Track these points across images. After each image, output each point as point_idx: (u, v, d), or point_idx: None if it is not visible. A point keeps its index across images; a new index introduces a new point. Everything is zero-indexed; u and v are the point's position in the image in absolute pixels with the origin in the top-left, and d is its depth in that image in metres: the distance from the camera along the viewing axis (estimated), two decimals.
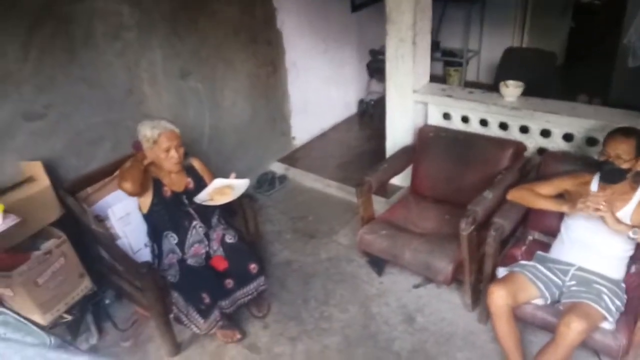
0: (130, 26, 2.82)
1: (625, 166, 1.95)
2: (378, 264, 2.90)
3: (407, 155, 3.08)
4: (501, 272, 2.24)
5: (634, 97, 3.11)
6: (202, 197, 2.37)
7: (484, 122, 3.00)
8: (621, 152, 1.94)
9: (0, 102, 2.37)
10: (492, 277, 2.30)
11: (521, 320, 2.15)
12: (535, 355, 2.04)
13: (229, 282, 2.40)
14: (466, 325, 2.50)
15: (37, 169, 2.43)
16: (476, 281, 2.49)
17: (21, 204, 2.23)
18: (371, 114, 4.85)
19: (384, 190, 3.45)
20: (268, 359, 2.45)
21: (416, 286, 2.79)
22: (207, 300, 2.28)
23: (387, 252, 2.63)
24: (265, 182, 3.88)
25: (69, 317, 2.42)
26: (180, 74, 3.20)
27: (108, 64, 2.77)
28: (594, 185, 2.11)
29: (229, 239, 2.49)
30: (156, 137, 2.33)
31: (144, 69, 2.97)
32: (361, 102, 4.98)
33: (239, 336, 2.53)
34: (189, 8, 3.12)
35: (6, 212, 1.99)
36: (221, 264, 2.42)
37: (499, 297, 2.04)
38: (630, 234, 1.91)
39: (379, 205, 3.23)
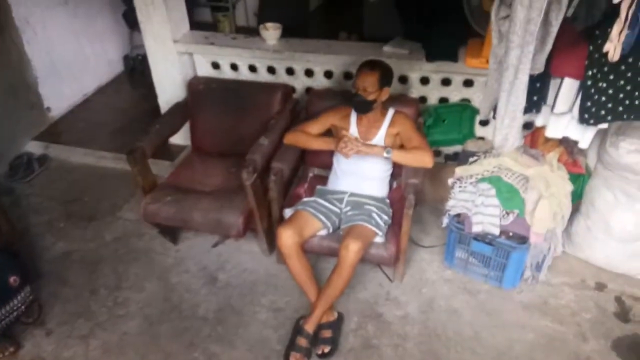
0: None
1: (371, 97, 2.14)
2: (171, 232, 2.73)
3: (181, 111, 2.89)
4: (287, 212, 2.32)
5: (382, 31, 3.45)
6: None
7: (252, 68, 2.97)
8: (367, 85, 2.12)
9: None
10: (281, 220, 2.37)
11: (312, 253, 2.28)
12: (326, 280, 2.20)
13: None
14: (267, 270, 2.57)
15: None
16: (269, 226, 2.55)
17: None
18: (142, 70, 4.39)
19: (167, 152, 3.23)
20: None
21: (215, 245, 2.73)
22: None
23: (175, 218, 2.47)
24: (21, 167, 3.25)
25: None
26: None
27: None
28: (353, 116, 2.29)
29: None
30: None
31: None
32: (126, 58, 4.47)
33: (11, 349, 2.16)
34: None
35: None
36: None
37: (287, 237, 2.12)
38: (385, 154, 2.14)
39: (165, 169, 3.01)
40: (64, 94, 3.81)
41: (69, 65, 3.81)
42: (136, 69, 4.44)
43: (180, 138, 3.16)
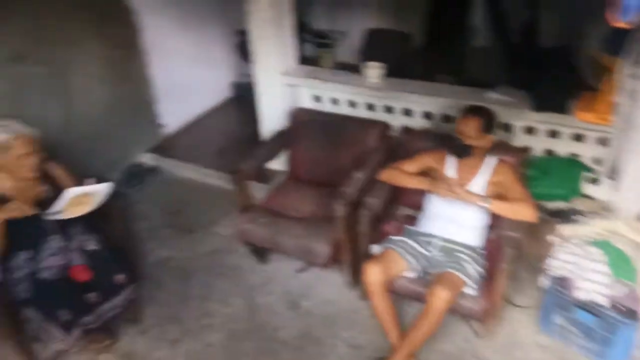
0: None
1: (472, 143, 2.12)
2: (260, 252, 2.85)
3: (282, 139, 3.04)
4: (375, 249, 2.33)
5: (483, 76, 3.43)
6: (54, 212, 2.09)
7: (352, 104, 3.07)
8: (468, 129, 2.12)
9: None
10: (368, 256, 2.38)
11: (396, 293, 2.26)
12: (410, 324, 2.17)
13: (92, 296, 2.16)
14: (349, 304, 2.58)
15: None
16: (354, 260, 2.57)
17: None
18: (246, 97, 4.71)
19: (264, 176, 3.39)
20: None
21: (299, 271, 2.81)
22: (66, 316, 2.04)
23: (267, 240, 2.59)
24: (134, 176, 3.59)
25: None
26: (13, 58, 2.76)
27: None
28: (449, 160, 2.27)
29: (92, 246, 2.25)
30: (10, 142, 2.00)
31: None
32: (235, 85, 4.82)
33: (108, 341, 2.35)
34: None
35: None
36: (82, 275, 2.16)
37: (372, 274, 2.13)
38: (484, 204, 2.09)
39: (260, 192, 3.16)
40: (177, 113, 4.17)
41: (184, 88, 4.17)
42: (242, 96, 4.75)
43: (277, 163, 3.32)
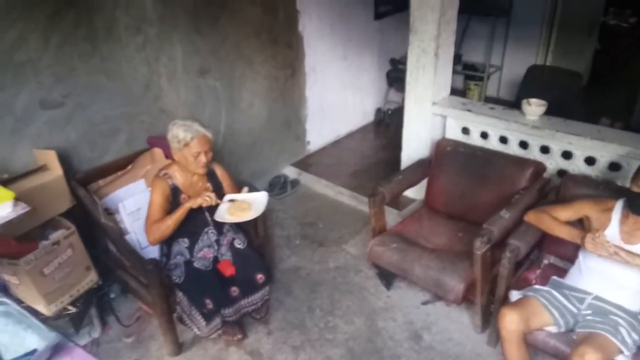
0: (152, 20, 2.81)
1: None
2: (387, 277, 2.85)
3: (423, 168, 3.03)
4: (514, 295, 2.18)
5: None
6: (221, 216, 2.32)
7: (503, 140, 2.94)
8: None
9: (18, 89, 2.37)
10: (505, 300, 2.24)
11: (532, 347, 2.08)
12: None
13: (235, 290, 2.35)
14: (474, 347, 2.44)
15: (50, 157, 2.42)
16: (487, 302, 2.43)
17: (32, 192, 2.21)
18: (388, 123, 4.81)
19: (397, 202, 3.40)
20: None
21: (425, 303, 2.73)
22: (210, 305, 2.24)
23: (397, 266, 2.57)
24: (277, 186, 3.85)
25: (73, 310, 2.39)
26: (198, 71, 3.18)
27: (128, 57, 2.76)
28: (616, 213, 2.04)
29: (238, 244, 2.46)
30: (189, 140, 2.28)
31: (163, 64, 2.96)
32: (378, 111, 4.93)
33: (239, 336, 2.51)
34: (211, 5, 3.11)
35: (17, 200, 1.96)
36: (228, 270, 2.38)
37: (511, 322, 1.98)
38: None
39: (391, 217, 3.18)
40: (323, 133, 4.40)
41: (331, 110, 4.39)
42: (383, 121, 4.86)
43: (411, 191, 3.31)
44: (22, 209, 1.93)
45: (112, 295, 2.74)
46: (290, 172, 4.08)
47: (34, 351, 1.17)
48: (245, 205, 2.35)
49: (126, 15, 2.68)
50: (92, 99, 2.66)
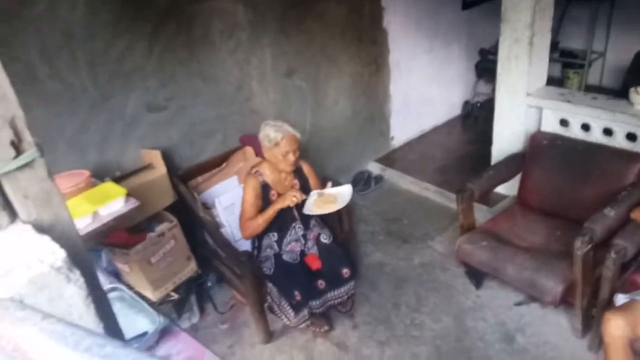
0: (243, 25, 2.96)
1: None
2: (476, 275, 2.76)
3: (516, 163, 2.89)
4: (620, 299, 2.01)
5: None
6: (309, 209, 2.41)
7: (607, 132, 2.71)
8: None
9: (128, 94, 2.61)
10: (609, 304, 2.08)
11: (638, 355, 1.92)
12: None
13: (321, 283, 2.42)
14: (573, 352, 2.29)
15: (156, 157, 2.65)
16: (589, 306, 2.27)
17: (141, 188, 2.44)
18: (476, 116, 4.63)
19: (487, 198, 3.27)
20: None
21: (518, 304, 2.61)
22: (298, 297, 2.33)
23: (487, 264, 2.49)
24: (361, 181, 3.87)
25: (175, 296, 2.61)
26: (286, 72, 3.30)
27: (222, 61, 2.93)
28: None
29: (324, 239, 2.53)
30: (279, 139, 2.38)
31: (254, 66, 3.10)
32: (466, 104, 4.76)
33: (326, 327, 2.57)
34: (298, 8, 3.20)
35: (128, 195, 2.18)
36: (314, 263, 2.46)
37: (616, 327, 1.84)
38: None
39: (480, 214, 3.07)
40: (407, 128, 4.34)
41: (416, 104, 4.32)
42: (471, 115, 4.67)
43: (502, 187, 3.16)
44: (133, 204, 2.14)
45: (209, 284, 2.94)
46: (374, 167, 4.08)
47: (144, 333, 1.31)
48: (331, 198, 2.42)
49: (220, 22, 2.85)
50: (192, 101, 2.87)
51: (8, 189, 0.50)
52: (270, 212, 2.40)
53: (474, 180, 2.70)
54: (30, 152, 0.51)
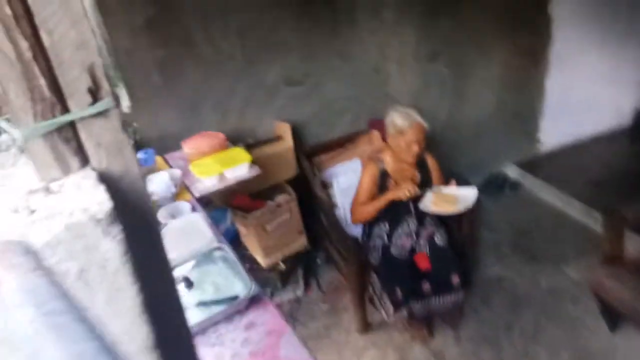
0: (389, 3, 2.85)
1: None
2: (613, 315, 2.35)
3: None
4: None
5: None
6: (425, 205, 2.28)
7: None
8: None
9: (270, 65, 2.70)
10: None
11: None
12: None
13: (427, 286, 2.27)
14: None
15: (286, 129, 2.73)
16: None
17: (267, 158, 2.54)
18: None
19: None
20: None
21: None
22: (399, 294, 2.23)
23: (629, 306, 2.10)
24: (494, 185, 3.56)
25: (282, 266, 2.70)
26: (428, 57, 3.12)
27: (361, 41, 2.87)
28: None
29: (438, 239, 2.37)
30: (405, 128, 2.30)
31: (395, 48, 2.99)
32: (638, 112, 4.05)
33: (425, 333, 2.45)
34: None
35: (253, 163, 2.28)
36: (423, 263, 2.31)
37: None
38: None
39: (633, 244, 2.59)
40: (559, 131, 3.84)
41: (575, 105, 3.78)
42: None
43: None
44: (255, 171, 2.23)
45: (318, 262, 2.98)
46: (512, 171, 3.71)
47: (236, 297, 1.34)
48: (452, 198, 2.24)
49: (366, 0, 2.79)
50: (327, 79, 2.87)
51: (83, 135, 0.50)
52: (382, 201, 2.31)
53: (632, 203, 2.27)
54: (106, 100, 0.50)
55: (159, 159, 2.35)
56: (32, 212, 0.45)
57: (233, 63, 2.62)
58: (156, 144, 2.45)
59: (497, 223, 3.27)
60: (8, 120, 0.48)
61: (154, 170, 2.18)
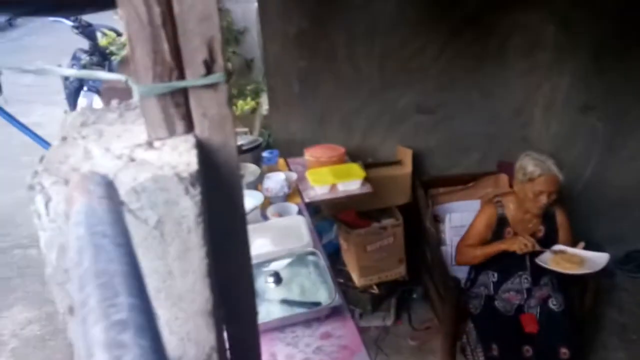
0: (546, 45, 2.66)
1: None
2: None
3: None
4: None
5: None
6: (543, 260, 2.07)
7: None
8: None
9: (403, 91, 2.70)
10: None
11: None
12: None
13: (528, 351, 2.04)
14: None
15: (407, 155, 2.69)
16: None
17: (383, 179, 2.52)
18: None
19: None
20: None
21: None
22: (495, 352, 2.04)
23: None
24: (635, 261, 3.08)
25: (376, 291, 2.64)
26: (581, 107, 2.83)
27: (506, 79, 2.72)
28: None
29: (553, 304, 2.12)
30: (535, 175, 2.10)
31: (544, 93, 2.78)
32: None
33: None
34: (624, 37, 2.67)
35: (367, 180, 2.28)
36: (530, 325, 2.08)
37: None
38: None
39: None
40: None
41: None
42: None
43: None
44: (366, 189, 2.23)
45: (414, 296, 2.86)
46: None
47: (318, 303, 1.34)
48: (577, 259, 2.00)
49: (520, 39, 2.64)
50: (461, 112, 2.78)
51: (192, 103, 0.55)
52: (493, 248, 2.14)
53: None
54: (218, 74, 0.54)
55: (281, 160, 2.47)
56: (132, 160, 0.50)
57: (368, 83, 2.67)
58: (283, 146, 2.60)
59: (628, 305, 2.82)
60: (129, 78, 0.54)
61: (274, 169, 2.31)
